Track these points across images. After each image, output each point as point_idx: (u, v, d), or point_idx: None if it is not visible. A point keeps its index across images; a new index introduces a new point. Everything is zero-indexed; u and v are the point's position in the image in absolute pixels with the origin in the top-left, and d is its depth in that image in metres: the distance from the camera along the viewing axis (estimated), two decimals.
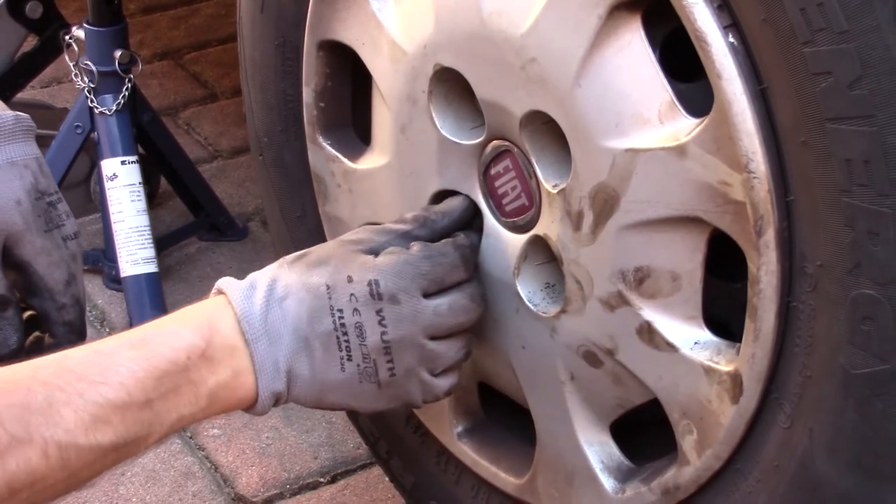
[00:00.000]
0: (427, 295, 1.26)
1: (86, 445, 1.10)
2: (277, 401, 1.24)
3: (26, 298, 1.34)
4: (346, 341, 1.23)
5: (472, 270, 1.30)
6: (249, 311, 1.22)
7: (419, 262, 1.25)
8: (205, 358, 1.18)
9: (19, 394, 1.08)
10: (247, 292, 1.23)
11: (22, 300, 1.34)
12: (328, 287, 1.23)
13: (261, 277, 1.25)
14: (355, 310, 1.23)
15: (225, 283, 1.25)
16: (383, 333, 1.23)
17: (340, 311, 1.23)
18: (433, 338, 1.26)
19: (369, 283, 1.23)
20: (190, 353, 1.17)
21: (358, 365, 1.24)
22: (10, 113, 1.33)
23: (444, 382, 1.29)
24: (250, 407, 1.23)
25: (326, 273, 1.24)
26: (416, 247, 1.27)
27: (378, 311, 1.23)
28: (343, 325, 1.23)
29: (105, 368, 1.13)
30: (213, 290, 1.26)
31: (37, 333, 1.35)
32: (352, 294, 1.23)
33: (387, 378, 1.25)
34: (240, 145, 2.61)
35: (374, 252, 1.27)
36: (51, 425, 1.08)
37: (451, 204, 1.33)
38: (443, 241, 1.29)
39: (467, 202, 1.33)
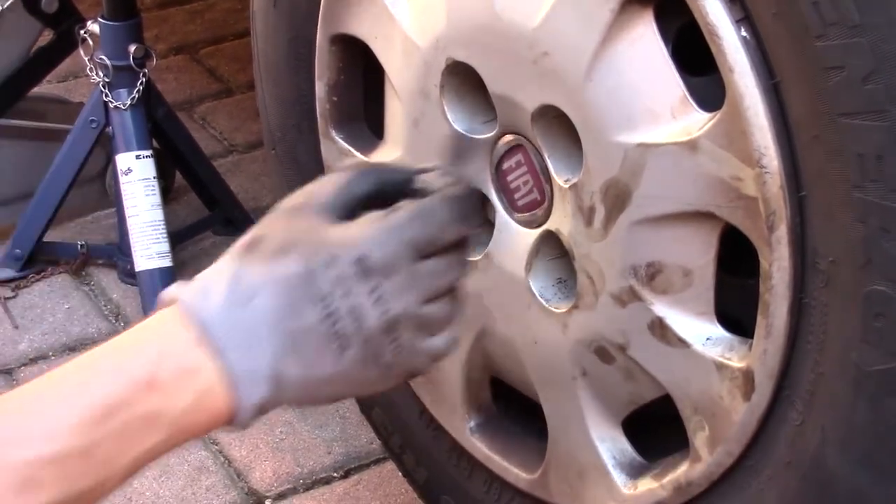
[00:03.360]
0: (421, 257, 1.13)
1: None
2: (263, 409, 1.09)
3: None
4: (342, 328, 1.09)
5: (474, 221, 1.18)
6: (211, 319, 1.06)
7: (405, 226, 1.12)
8: (154, 388, 1.03)
9: None
10: (203, 298, 1.07)
11: None
12: (304, 274, 1.08)
13: (215, 279, 1.09)
14: (345, 293, 1.09)
15: (173, 291, 1.09)
16: (383, 312, 1.10)
17: (327, 297, 1.08)
18: (428, 301, 1.13)
19: (356, 261, 1.09)
20: (134, 386, 1.03)
21: (358, 352, 1.10)
22: None
23: (442, 341, 1.15)
24: (229, 423, 1.08)
25: (297, 259, 1.09)
26: (401, 209, 1.13)
27: (373, 290, 1.10)
28: (334, 311, 1.08)
29: (33, 420, 1.00)
30: (158, 303, 1.10)
31: None
32: (337, 276, 1.09)
33: (391, 358, 1.11)
34: (255, 140, 2.60)
35: (338, 213, 1.13)
36: None
37: None
38: (430, 196, 1.15)
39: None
